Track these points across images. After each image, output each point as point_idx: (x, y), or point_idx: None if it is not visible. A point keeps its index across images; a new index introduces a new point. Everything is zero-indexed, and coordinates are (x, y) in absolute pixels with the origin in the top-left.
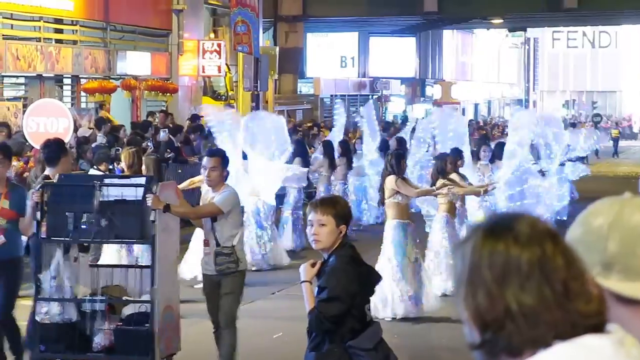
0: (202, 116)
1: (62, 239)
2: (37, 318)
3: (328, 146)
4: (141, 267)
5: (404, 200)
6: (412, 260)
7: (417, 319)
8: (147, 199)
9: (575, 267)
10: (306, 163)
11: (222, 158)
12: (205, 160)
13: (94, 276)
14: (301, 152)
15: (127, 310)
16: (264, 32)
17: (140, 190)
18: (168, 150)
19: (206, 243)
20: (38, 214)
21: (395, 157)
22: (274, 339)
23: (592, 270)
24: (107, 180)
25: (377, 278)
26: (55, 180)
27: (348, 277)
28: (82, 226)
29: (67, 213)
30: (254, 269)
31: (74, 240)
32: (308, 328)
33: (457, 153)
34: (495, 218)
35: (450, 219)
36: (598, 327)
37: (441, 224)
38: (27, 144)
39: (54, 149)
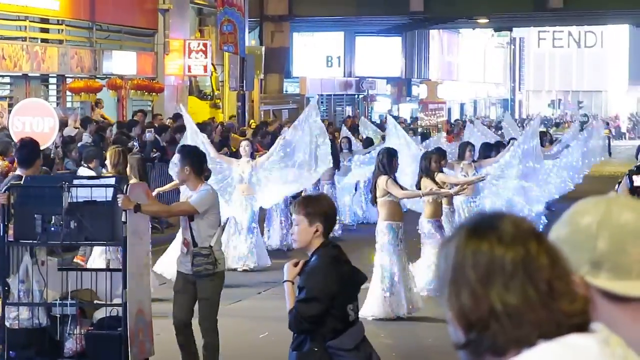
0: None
1: (30, 241)
2: (6, 323)
3: None
4: (111, 270)
5: (397, 198)
6: (403, 261)
7: (403, 319)
8: (117, 199)
9: (560, 266)
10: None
11: (183, 154)
12: None
13: (63, 280)
14: None
15: (99, 315)
16: (249, 32)
17: (110, 191)
18: (154, 149)
19: (185, 242)
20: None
21: (386, 156)
22: (260, 338)
23: (580, 269)
24: (75, 181)
25: (361, 278)
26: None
27: (327, 277)
28: (51, 228)
29: (35, 215)
30: (240, 269)
31: (42, 242)
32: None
33: (440, 152)
34: (479, 217)
35: (438, 224)
36: (582, 326)
37: (430, 230)
38: (13, 143)
39: (31, 150)
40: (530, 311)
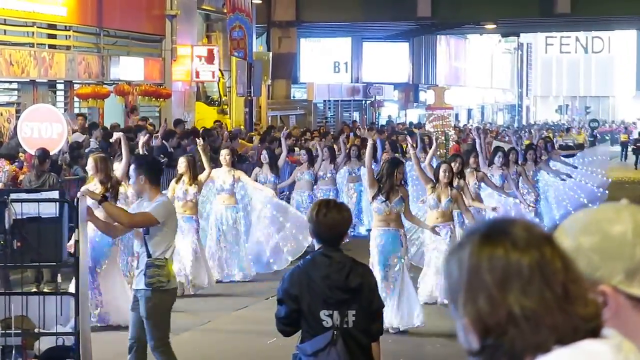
0: (185, 121)
1: None
2: None
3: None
4: (43, 293)
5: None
6: (395, 268)
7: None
8: (80, 192)
9: (572, 270)
10: (276, 172)
11: (139, 165)
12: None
13: None
14: (274, 160)
15: (45, 344)
16: (257, 38)
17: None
18: (161, 155)
19: (136, 256)
20: None
21: (388, 166)
22: (268, 344)
23: (612, 278)
24: (14, 195)
25: (343, 285)
26: None
27: (290, 280)
28: None
29: None
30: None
31: None
32: None
33: (454, 159)
34: (490, 223)
35: (438, 228)
36: (596, 331)
37: (430, 236)
38: (21, 148)
39: None
40: (548, 315)
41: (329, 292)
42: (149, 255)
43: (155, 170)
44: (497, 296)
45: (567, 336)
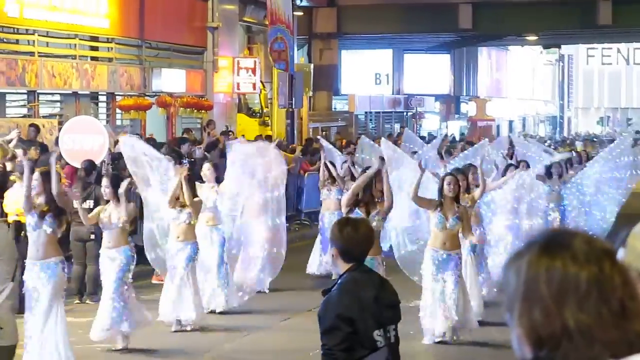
0: (232, 131)
1: None
2: None
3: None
4: None
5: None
6: None
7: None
8: None
9: (631, 286)
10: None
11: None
12: None
13: None
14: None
15: None
16: (298, 50)
17: None
18: None
19: None
20: None
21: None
22: (311, 356)
23: None
24: None
25: (391, 302)
26: None
27: (341, 303)
28: None
29: None
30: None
31: None
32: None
33: (460, 171)
34: (550, 234)
35: (439, 253)
36: None
37: (427, 260)
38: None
39: None
40: (602, 331)
41: (381, 311)
42: None
43: None
44: (552, 309)
45: (622, 352)
